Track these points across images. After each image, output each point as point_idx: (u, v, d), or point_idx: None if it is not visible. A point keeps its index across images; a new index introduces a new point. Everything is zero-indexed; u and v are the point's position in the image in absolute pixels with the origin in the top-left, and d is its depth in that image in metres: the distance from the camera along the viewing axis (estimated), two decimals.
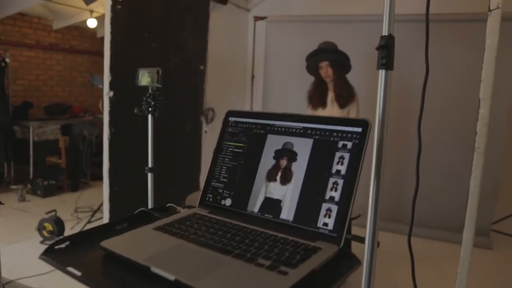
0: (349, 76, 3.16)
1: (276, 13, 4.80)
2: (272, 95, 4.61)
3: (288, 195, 0.89)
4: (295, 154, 0.91)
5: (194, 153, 3.43)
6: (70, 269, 0.64)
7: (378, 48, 0.85)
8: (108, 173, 2.62)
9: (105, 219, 2.74)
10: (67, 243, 0.75)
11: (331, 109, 3.07)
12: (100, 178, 6.26)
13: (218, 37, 4.19)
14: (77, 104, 6.90)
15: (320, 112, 3.09)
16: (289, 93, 4.34)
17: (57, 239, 0.74)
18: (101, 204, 4.52)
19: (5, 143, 5.61)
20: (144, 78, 1.84)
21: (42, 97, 6.53)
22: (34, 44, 6.40)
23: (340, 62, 3.08)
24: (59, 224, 3.92)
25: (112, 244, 0.70)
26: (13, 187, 5.78)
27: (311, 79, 3.23)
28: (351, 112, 3.10)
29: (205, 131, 3.70)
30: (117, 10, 2.54)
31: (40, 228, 3.92)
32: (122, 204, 2.75)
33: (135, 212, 0.89)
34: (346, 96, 3.05)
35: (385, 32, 0.86)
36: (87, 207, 4.85)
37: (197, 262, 0.68)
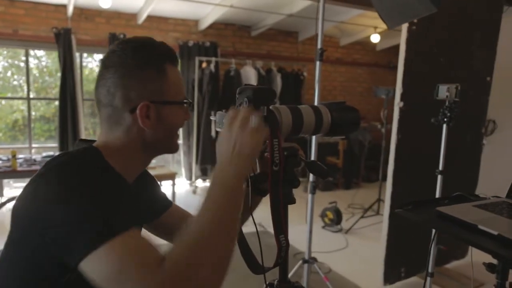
0: None
1: None
2: None
3: None
4: None
5: (473, 164, 3.46)
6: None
7: None
8: (392, 173, 2.99)
9: (385, 216, 3.10)
10: (410, 206, 1.13)
11: None
12: (370, 180, 6.84)
13: (510, 44, 3.97)
14: None
15: None
16: None
17: (406, 203, 1.14)
18: (374, 203, 5.01)
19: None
20: (443, 92, 2.10)
21: None
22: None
23: None
24: (338, 214, 4.57)
25: (445, 209, 1.04)
26: (300, 179, 6.96)
27: None
28: None
29: (483, 144, 3.63)
30: (412, 30, 2.89)
31: (323, 215, 4.67)
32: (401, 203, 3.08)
33: (454, 194, 1.20)
34: None
35: None
36: (359, 205, 5.44)
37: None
